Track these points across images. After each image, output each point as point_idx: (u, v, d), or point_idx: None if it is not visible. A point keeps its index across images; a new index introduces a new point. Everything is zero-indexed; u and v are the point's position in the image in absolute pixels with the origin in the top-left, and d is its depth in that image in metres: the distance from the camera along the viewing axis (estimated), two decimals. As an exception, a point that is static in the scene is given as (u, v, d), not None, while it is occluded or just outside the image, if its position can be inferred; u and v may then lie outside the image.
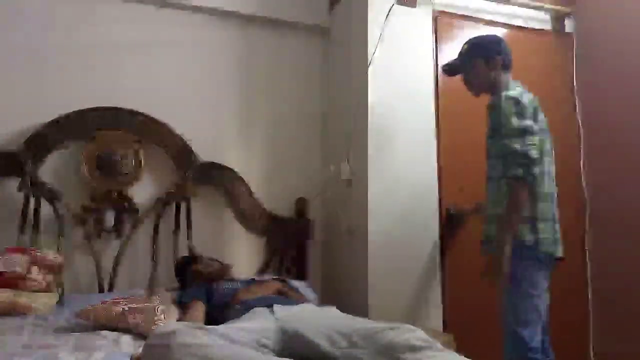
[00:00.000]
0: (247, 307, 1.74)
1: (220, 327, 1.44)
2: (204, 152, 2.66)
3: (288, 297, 1.96)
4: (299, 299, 1.97)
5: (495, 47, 2.05)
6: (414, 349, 1.31)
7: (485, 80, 2.05)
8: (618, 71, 2.70)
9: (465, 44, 2.14)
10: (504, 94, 1.92)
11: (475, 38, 2.14)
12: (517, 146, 1.82)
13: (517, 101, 1.88)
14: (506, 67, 2.04)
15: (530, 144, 1.83)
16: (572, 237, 2.78)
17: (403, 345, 1.32)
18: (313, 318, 1.60)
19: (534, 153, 1.83)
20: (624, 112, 2.67)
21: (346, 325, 1.49)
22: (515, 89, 1.95)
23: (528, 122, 1.86)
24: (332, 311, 1.80)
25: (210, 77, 2.81)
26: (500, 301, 1.95)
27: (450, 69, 2.20)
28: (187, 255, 2.50)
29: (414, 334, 1.36)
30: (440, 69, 2.19)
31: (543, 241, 1.88)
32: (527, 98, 1.92)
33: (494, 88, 2.02)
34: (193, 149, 2.63)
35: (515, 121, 1.85)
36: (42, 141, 2.42)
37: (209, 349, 1.22)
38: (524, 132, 1.84)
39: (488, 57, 2.03)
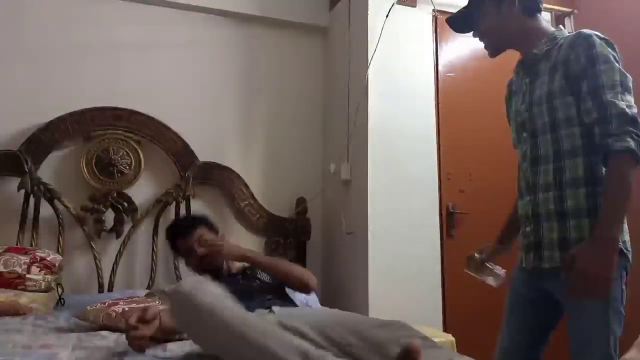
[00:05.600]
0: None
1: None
2: (204, 152, 2.66)
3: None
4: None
5: None
6: None
7: (502, 30, 1.47)
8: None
9: None
10: (584, 31, 1.35)
11: None
12: (624, 106, 1.23)
13: (611, 44, 1.33)
14: (531, 9, 1.46)
15: (634, 107, 1.25)
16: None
17: (400, 342, 1.32)
18: (311, 316, 1.60)
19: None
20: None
21: (343, 322, 1.49)
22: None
23: (628, 76, 1.30)
24: (333, 310, 1.80)
25: (210, 77, 2.81)
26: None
27: (457, 23, 1.61)
28: (190, 216, 2.23)
29: (411, 332, 1.36)
30: (447, 25, 1.61)
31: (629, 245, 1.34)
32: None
33: (520, 39, 1.47)
34: (193, 149, 2.63)
35: (617, 70, 1.28)
36: (42, 141, 2.42)
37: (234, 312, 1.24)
38: (628, 89, 1.27)
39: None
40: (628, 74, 1.29)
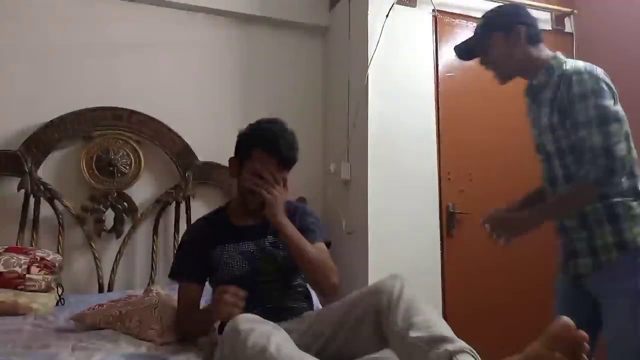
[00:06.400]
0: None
1: None
2: (204, 152, 2.65)
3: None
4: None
5: (514, 16, 1.63)
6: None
7: (510, 60, 1.61)
8: (618, 71, 2.68)
9: (481, 17, 1.73)
10: (570, 66, 1.52)
11: (491, 10, 1.70)
12: (598, 140, 1.39)
13: (595, 78, 1.46)
14: (534, 40, 1.61)
15: (615, 137, 1.39)
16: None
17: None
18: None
19: (620, 149, 1.39)
20: (624, 112, 2.66)
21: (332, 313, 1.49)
22: (572, 63, 1.54)
23: (616, 106, 1.45)
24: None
25: (210, 77, 2.81)
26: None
27: (464, 51, 1.75)
28: (272, 124, 1.85)
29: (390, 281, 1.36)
30: (454, 53, 1.77)
31: None
32: (601, 72, 1.50)
33: (525, 68, 1.62)
34: (193, 149, 2.63)
35: (592, 106, 1.43)
36: (41, 141, 2.41)
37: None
38: (603, 121, 1.41)
39: (507, 30, 1.60)
40: (606, 105, 1.42)
